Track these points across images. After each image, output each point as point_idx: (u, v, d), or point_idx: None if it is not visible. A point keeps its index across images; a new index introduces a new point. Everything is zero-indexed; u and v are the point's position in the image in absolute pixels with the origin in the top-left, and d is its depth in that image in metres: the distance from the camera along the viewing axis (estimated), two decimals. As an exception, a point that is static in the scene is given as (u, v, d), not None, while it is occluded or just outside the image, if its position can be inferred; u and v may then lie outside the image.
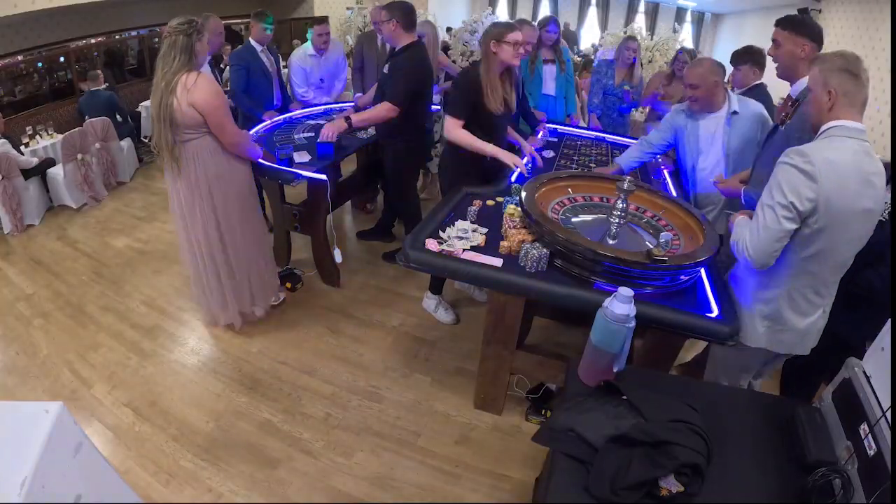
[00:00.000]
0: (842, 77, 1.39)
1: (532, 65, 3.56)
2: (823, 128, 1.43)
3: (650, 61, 6.28)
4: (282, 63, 4.02)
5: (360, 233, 3.75)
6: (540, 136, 3.19)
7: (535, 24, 3.57)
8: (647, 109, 3.86)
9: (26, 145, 4.27)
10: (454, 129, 2.40)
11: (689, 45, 11.44)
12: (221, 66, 5.03)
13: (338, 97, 4.05)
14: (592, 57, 7.17)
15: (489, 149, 2.38)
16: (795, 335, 1.62)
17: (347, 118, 2.73)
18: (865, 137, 1.40)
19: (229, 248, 2.40)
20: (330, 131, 2.71)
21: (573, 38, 11.34)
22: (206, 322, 2.69)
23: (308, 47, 3.70)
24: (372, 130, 3.11)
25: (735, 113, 2.29)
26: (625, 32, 6.18)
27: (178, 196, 2.27)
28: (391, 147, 2.93)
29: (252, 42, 3.30)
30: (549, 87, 3.72)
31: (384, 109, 2.68)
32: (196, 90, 2.02)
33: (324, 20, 3.81)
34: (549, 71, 3.67)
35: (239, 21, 7.68)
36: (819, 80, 1.43)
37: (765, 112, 2.33)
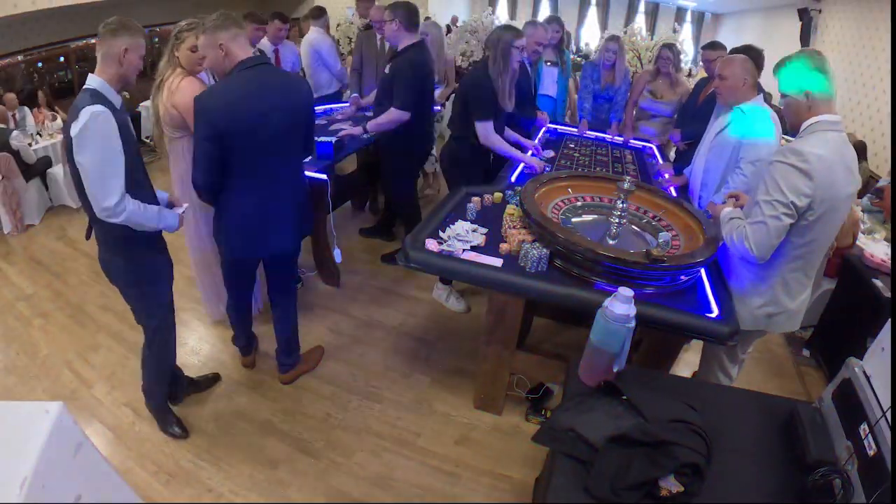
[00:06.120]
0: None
1: (534, 66, 3.55)
2: (805, 124, 1.52)
3: (650, 61, 6.27)
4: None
5: (362, 230, 3.76)
6: (537, 140, 3.19)
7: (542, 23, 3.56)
8: (637, 109, 3.77)
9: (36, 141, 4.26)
10: (491, 135, 2.58)
11: (689, 45, 11.44)
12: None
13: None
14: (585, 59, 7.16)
15: (521, 157, 2.65)
16: (788, 315, 1.73)
17: (364, 126, 2.84)
18: (842, 128, 1.51)
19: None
20: (345, 136, 2.87)
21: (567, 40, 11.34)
22: (211, 319, 2.71)
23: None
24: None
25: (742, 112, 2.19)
26: (625, 32, 6.16)
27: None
28: (390, 147, 2.93)
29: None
30: (550, 89, 3.71)
31: (396, 115, 2.70)
32: (177, 93, 2.05)
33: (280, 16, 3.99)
34: (551, 73, 3.66)
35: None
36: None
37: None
